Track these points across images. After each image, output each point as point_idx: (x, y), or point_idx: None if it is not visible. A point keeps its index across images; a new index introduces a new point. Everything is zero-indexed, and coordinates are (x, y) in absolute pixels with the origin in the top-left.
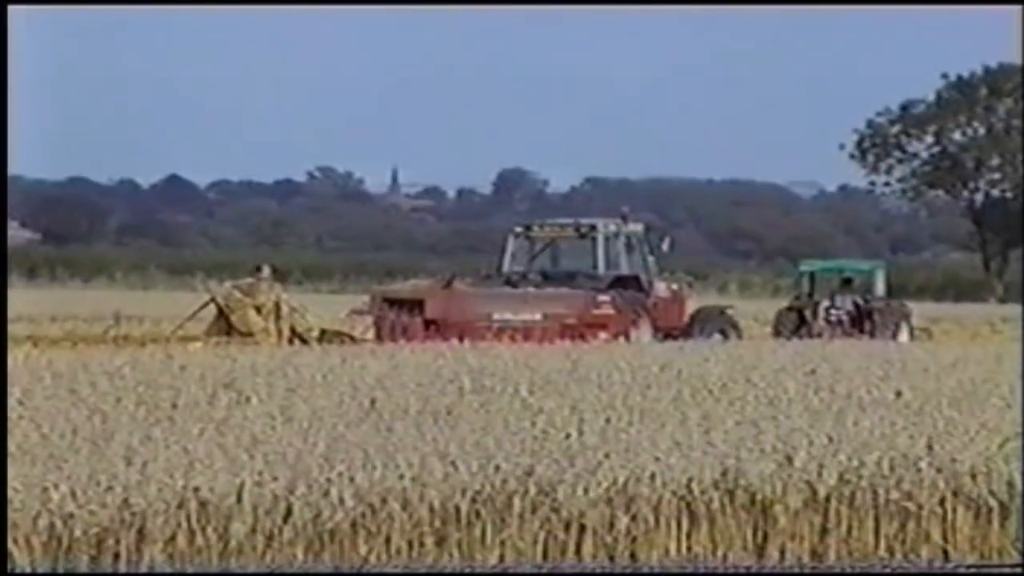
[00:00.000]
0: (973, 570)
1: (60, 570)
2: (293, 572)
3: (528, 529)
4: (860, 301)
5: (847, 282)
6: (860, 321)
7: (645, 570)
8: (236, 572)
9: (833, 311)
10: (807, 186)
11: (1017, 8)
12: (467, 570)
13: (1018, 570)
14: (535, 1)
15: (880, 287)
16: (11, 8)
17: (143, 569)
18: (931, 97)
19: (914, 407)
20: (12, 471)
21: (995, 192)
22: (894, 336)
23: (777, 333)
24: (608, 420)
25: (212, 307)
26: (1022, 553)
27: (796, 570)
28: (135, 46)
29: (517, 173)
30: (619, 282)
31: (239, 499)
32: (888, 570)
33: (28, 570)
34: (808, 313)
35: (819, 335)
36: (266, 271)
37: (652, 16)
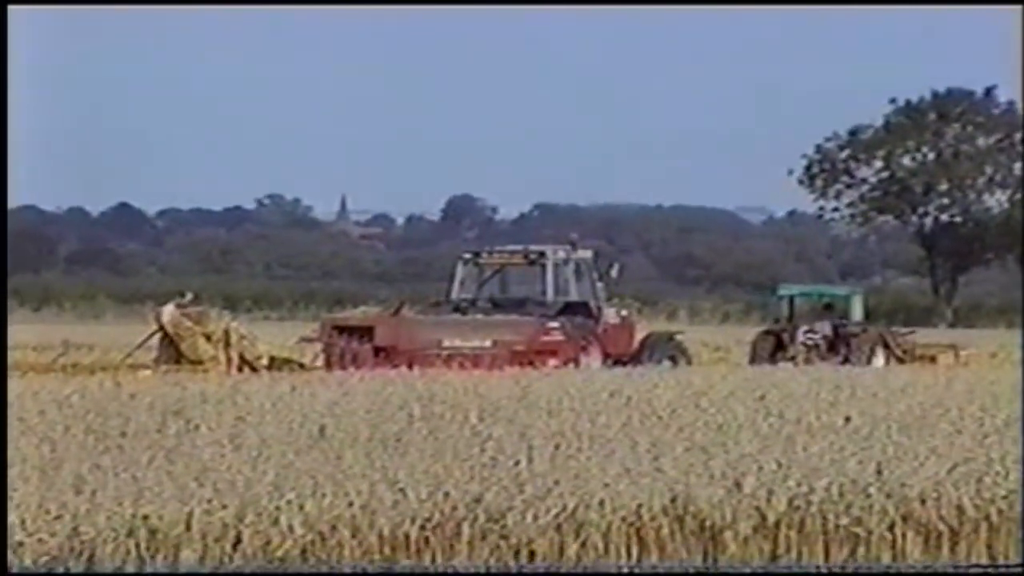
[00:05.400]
0: (974, 570)
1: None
2: (245, 574)
3: (478, 556)
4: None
5: (828, 307)
6: (837, 346)
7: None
8: None
9: (810, 336)
10: (756, 212)
11: (1017, 8)
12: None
13: (1018, 570)
14: (485, 22)
15: (858, 312)
16: None
17: None
18: (879, 122)
19: (863, 432)
20: None
21: (944, 217)
22: (869, 361)
23: (754, 357)
24: (557, 447)
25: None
26: (1022, 553)
27: (798, 570)
28: (83, 73)
29: (466, 200)
30: (568, 308)
31: (188, 527)
32: (889, 570)
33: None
34: (786, 337)
35: (793, 359)
36: (188, 297)
37: (600, 42)
